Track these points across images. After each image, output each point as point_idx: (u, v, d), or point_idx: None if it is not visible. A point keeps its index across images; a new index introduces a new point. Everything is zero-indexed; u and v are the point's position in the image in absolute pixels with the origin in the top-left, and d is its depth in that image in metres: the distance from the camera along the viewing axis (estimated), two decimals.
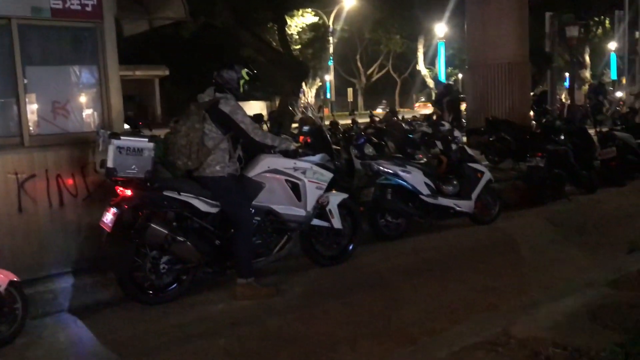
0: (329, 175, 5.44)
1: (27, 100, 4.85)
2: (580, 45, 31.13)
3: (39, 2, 4.78)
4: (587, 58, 36.27)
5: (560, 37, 13.57)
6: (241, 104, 4.91)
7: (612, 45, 35.09)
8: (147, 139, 4.67)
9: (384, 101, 43.55)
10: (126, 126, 5.27)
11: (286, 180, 5.19)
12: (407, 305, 4.49)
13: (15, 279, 4.09)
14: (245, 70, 4.91)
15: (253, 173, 5.06)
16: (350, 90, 43.02)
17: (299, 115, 5.73)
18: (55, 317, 4.55)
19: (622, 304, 4.01)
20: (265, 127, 5.31)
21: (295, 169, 5.21)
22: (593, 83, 15.76)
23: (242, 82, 4.90)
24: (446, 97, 10.21)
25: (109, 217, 4.54)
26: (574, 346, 3.32)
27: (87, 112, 5.35)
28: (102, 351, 3.99)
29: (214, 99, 4.79)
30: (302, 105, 5.90)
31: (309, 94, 36.03)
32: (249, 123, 4.84)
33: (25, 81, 4.84)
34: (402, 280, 5.11)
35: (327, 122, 11.55)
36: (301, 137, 5.34)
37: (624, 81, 26.06)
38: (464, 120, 8.77)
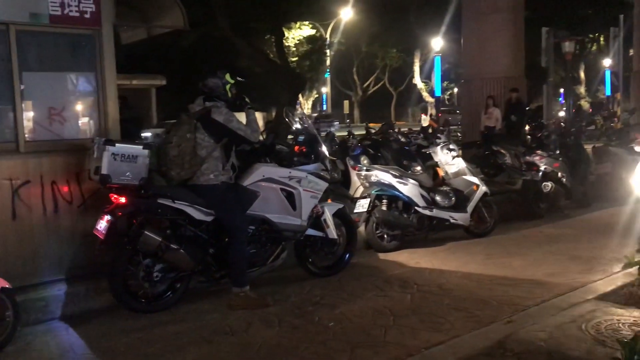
0: (324, 185, 5.43)
1: (23, 106, 4.83)
2: (576, 62, 31.42)
3: (38, 8, 4.78)
4: (582, 74, 36.64)
5: (556, 52, 13.65)
6: (237, 114, 4.89)
7: (607, 62, 35.40)
8: (141, 146, 4.66)
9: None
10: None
11: (281, 189, 5.17)
12: (403, 316, 4.46)
13: (7, 286, 4.06)
14: (228, 73, 4.89)
15: (248, 182, 5.05)
16: (346, 103, 43.18)
17: (294, 125, 5.72)
18: (46, 325, 4.51)
19: (617, 318, 4.01)
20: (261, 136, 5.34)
21: (291, 178, 5.20)
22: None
23: (228, 86, 4.89)
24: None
25: (102, 224, 4.51)
26: None
27: (83, 119, 5.33)
28: (93, 359, 3.95)
29: (204, 108, 4.78)
30: (298, 115, 5.89)
31: (305, 105, 36.13)
32: (244, 128, 4.84)
33: (22, 87, 4.81)
34: (398, 292, 5.10)
35: (323, 133, 11.56)
36: (296, 147, 5.33)
37: (618, 97, 26.27)
38: None
